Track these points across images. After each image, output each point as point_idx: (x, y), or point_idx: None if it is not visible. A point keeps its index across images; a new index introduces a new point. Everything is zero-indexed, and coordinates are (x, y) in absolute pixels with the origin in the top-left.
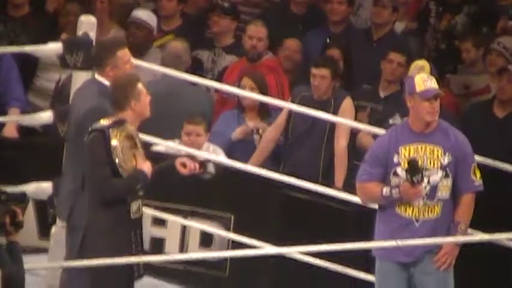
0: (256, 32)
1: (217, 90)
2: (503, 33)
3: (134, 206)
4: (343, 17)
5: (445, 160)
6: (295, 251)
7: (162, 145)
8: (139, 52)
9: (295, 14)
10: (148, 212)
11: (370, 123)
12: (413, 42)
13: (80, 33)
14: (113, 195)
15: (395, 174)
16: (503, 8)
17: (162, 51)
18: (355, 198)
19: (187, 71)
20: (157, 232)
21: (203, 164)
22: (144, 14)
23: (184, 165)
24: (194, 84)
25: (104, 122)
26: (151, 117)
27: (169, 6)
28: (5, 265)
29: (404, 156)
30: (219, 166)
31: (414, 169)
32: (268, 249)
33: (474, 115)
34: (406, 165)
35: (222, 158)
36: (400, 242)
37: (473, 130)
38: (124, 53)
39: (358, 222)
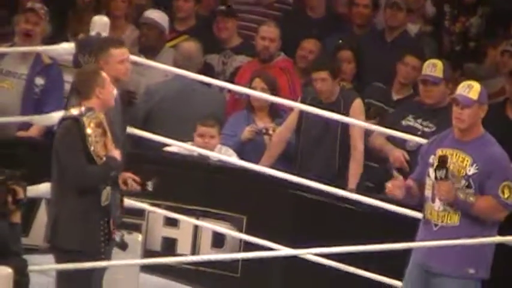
0: (269, 32)
1: (229, 91)
2: None
3: (104, 194)
4: (367, 20)
5: (471, 171)
6: (308, 253)
7: (174, 146)
8: (151, 52)
9: (310, 17)
10: (160, 212)
11: (380, 124)
12: (428, 44)
13: (92, 33)
14: (89, 182)
15: (428, 175)
16: None
17: (175, 52)
18: (367, 200)
19: (199, 73)
20: (169, 232)
21: (144, 183)
22: (155, 15)
23: (125, 182)
24: (206, 84)
25: (75, 111)
26: (163, 117)
27: (186, 7)
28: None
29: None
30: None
31: (441, 165)
32: (282, 251)
33: (487, 117)
34: (436, 161)
35: (234, 158)
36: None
37: None
38: (118, 52)
39: (371, 224)
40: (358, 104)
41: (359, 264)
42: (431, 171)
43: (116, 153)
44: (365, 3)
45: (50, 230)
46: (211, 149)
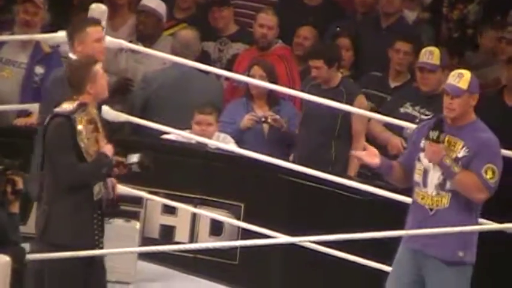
0: (267, 20)
1: (227, 79)
2: None
3: (96, 188)
4: (371, 8)
5: (461, 153)
6: (306, 240)
7: (172, 133)
8: (149, 40)
9: (307, 4)
10: (158, 199)
11: (379, 112)
12: (425, 31)
13: None
14: (80, 180)
15: (419, 159)
16: None
17: (173, 40)
18: (366, 187)
19: (196, 61)
20: (167, 220)
21: (129, 166)
22: (152, 2)
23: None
24: (204, 72)
25: (67, 106)
26: (161, 105)
27: None
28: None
29: None
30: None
31: (436, 127)
32: (280, 238)
33: (485, 105)
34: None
35: (232, 146)
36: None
37: (484, 119)
38: (94, 30)
39: (369, 211)
40: (361, 99)
41: (356, 252)
42: (422, 155)
43: (108, 149)
44: None
45: (42, 225)
46: (209, 137)
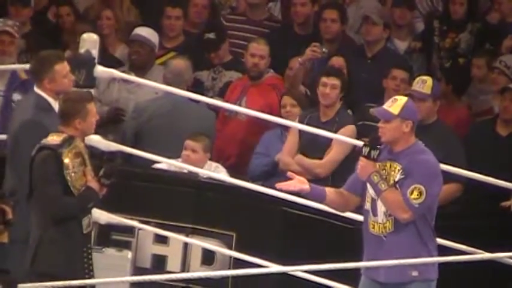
0: (259, 50)
1: (219, 108)
2: (507, 52)
3: (85, 221)
4: (336, 35)
5: (397, 177)
6: (298, 270)
7: (163, 162)
8: (141, 70)
9: (298, 34)
10: (150, 229)
11: None
12: (416, 61)
13: (82, 50)
14: (65, 213)
15: (367, 188)
16: (509, 25)
17: (165, 69)
18: (358, 217)
19: (188, 90)
20: (159, 250)
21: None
22: (146, 32)
23: None
24: (196, 101)
25: (54, 139)
26: (153, 135)
27: (177, 25)
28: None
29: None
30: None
31: (368, 142)
32: (271, 268)
33: (477, 134)
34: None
35: (223, 175)
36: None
37: (477, 149)
38: (62, 67)
39: (362, 240)
40: (350, 128)
41: (349, 281)
42: (369, 186)
43: (94, 184)
44: (333, 17)
45: (32, 255)
46: (193, 164)
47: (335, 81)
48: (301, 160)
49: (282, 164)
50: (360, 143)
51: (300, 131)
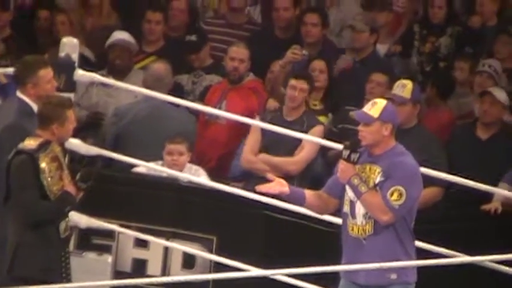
0: (238, 53)
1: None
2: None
3: (62, 225)
4: (318, 39)
5: (377, 179)
6: (279, 273)
7: (143, 166)
8: (121, 74)
9: (279, 38)
10: (130, 233)
11: None
12: (397, 65)
13: (62, 54)
14: (41, 218)
15: (346, 190)
16: (488, 29)
17: (145, 73)
18: (339, 220)
19: (169, 93)
20: (140, 254)
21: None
22: (125, 36)
23: None
24: (176, 105)
25: (31, 143)
26: (133, 139)
27: (157, 29)
28: None
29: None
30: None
31: (348, 146)
32: (252, 271)
33: (458, 138)
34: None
35: (204, 178)
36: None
37: (457, 153)
38: (46, 72)
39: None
40: (320, 129)
41: (329, 285)
42: (348, 189)
43: (71, 188)
44: (314, 22)
45: (8, 260)
46: (181, 167)
47: (304, 85)
48: (269, 158)
49: (246, 162)
50: (330, 143)
51: (263, 130)
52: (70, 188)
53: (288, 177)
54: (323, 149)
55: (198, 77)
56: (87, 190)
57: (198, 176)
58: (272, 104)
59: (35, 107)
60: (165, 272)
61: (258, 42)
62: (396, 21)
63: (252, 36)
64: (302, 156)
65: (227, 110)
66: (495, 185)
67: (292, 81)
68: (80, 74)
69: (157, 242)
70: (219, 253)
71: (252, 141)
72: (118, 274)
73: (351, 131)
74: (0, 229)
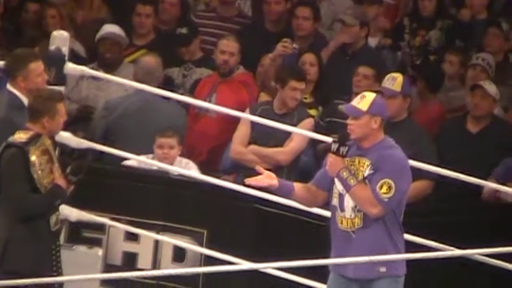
0: (228, 46)
1: (190, 105)
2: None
3: (53, 218)
4: (309, 32)
5: (366, 172)
6: (269, 267)
7: (134, 160)
8: (111, 67)
9: (269, 31)
10: (121, 226)
11: None
12: (388, 58)
13: (52, 48)
14: (32, 211)
15: (334, 183)
16: (478, 22)
17: (135, 66)
18: (327, 213)
19: (159, 87)
20: (130, 247)
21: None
22: (115, 29)
23: None
24: (167, 98)
25: (21, 136)
26: (124, 132)
27: (148, 22)
28: None
29: None
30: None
31: (337, 139)
32: (243, 265)
33: (448, 131)
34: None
35: (194, 172)
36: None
37: (447, 146)
38: (36, 66)
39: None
40: (310, 121)
41: (320, 278)
42: (337, 182)
43: (62, 182)
44: (305, 15)
45: None
46: (172, 160)
47: (303, 86)
48: (258, 149)
49: (235, 153)
50: (319, 136)
51: (252, 122)
52: (60, 181)
53: (276, 170)
54: (313, 142)
55: (189, 70)
56: (77, 183)
57: (189, 170)
58: (264, 98)
59: (25, 100)
60: (155, 265)
61: (248, 36)
62: (389, 13)
63: (242, 29)
64: (292, 146)
65: (217, 103)
66: (485, 179)
67: (294, 83)
68: (70, 67)
69: (148, 235)
70: (209, 246)
71: (241, 133)
72: (108, 267)
73: (339, 124)
74: None
